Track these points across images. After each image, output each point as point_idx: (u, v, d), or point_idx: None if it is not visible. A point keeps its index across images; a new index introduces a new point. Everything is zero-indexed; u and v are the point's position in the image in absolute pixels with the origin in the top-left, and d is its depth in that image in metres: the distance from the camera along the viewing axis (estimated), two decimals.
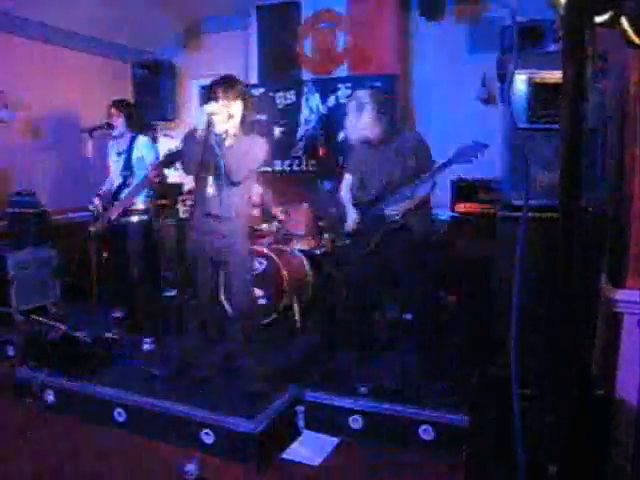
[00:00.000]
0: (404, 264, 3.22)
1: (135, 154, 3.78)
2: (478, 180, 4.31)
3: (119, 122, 3.80)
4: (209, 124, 2.79)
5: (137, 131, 3.93)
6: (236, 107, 2.93)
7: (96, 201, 3.82)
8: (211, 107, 2.81)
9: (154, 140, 4.23)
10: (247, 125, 3.02)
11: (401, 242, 3.16)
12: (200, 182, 3.00)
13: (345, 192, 3.44)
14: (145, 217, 3.83)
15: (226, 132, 2.88)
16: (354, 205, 3.33)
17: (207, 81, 3.12)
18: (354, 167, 3.41)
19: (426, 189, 3.16)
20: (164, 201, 5.12)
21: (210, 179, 2.94)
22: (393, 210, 3.11)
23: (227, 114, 2.86)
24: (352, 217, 3.29)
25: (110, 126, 3.79)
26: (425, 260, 3.32)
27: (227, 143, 2.90)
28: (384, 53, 5.25)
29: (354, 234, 3.31)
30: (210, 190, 2.94)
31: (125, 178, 3.77)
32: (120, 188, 3.79)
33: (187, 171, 3.10)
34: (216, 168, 2.87)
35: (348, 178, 3.45)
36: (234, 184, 2.91)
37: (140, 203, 3.81)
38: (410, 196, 3.10)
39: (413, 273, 3.21)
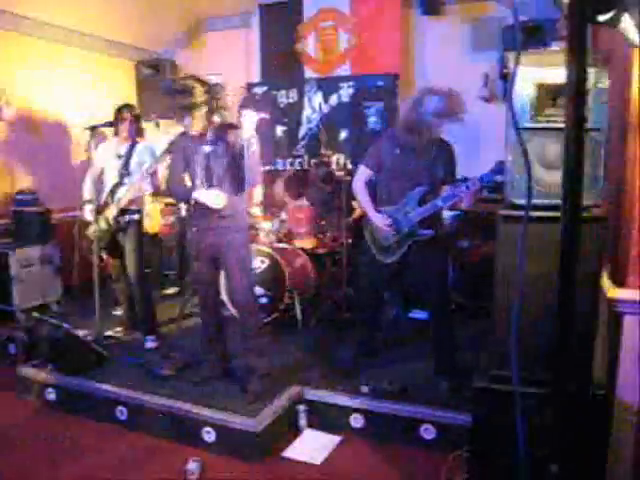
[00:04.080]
0: (427, 269, 3.17)
1: (134, 159, 3.78)
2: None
3: (132, 127, 3.80)
4: (240, 130, 2.86)
5: (138, 137, 3.93)
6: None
7: (86, 211, 3.80)
8: (255, 116, 2.86)
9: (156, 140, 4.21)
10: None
11: (429, 251, 3.12)
12: (199, 181, 3.01)
13: (361, 189, 3.24)
14: (136, 216, 3.82)
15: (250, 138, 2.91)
16: (378, 210, 3.18)
17: (209, 79, 3.12)
18: (379, 161, 3.18)
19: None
20: (166, 200, 5.14)
21: (214, 178, 2.97)
22: (422, 221, 3.05)
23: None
24: (381, 221, 3.13)
25: (112, 125, 3.79)
26: (446, 262, 3.31)
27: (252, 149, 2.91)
28: (386, 52, 5.27)
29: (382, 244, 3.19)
30: (215, 189, 2.96)
31: (122, 177, 3.77)
32: (116, 187, 3.78)
33: (176, 171, 3.10)
34: (227, 170, 2.93)
35: (364, 172, 3.24)
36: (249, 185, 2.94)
37: (134, 202, 3.80)
38: (440, 208, 3.05)
39: (434, 275, 3.17)
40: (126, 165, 3.77)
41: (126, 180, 3.75)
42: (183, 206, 4.55)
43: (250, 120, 2.84)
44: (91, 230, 3.72)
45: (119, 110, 3.81)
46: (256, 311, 3.24)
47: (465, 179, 3.04)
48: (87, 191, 3.84)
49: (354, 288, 4.32)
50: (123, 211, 3.74)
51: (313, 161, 5.28)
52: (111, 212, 3.72)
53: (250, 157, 2.86)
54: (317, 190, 4.91)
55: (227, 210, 2.97)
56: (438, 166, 3.07)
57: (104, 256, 3.86)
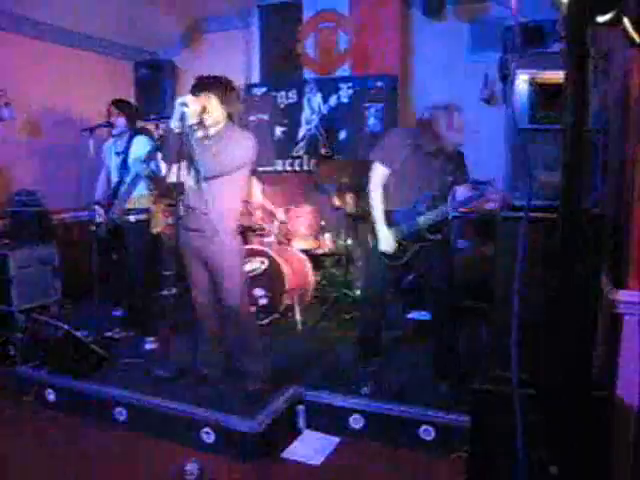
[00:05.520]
0: (433, 272, 3.15)
1: (133, 153, 3.78)
2: (481, 181, 4.31)
3: (119, 121, 3.80)
4: (182, 116, 2.75)
5: (136, 131, 3.92)
6: (212, 102, 2.86)
7: (99, 210, 3.80)
8: (182, 99, 2.78)
9: (152, 137, 4.20)
10: (232, 122, 2.95)
11: (434, 254, 3.11)
12: (181, 174, 2.98)
13: (377, 196, 3.10)
14: (142, 216, 3.82)
15: (198, 125, 2.83)
16: (386, 213, 3.11)
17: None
18: (395, 158, 3.06)
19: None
20: (165, 200, 5.13)
21: (187, 171, 2.92)
22: (431, 226, 3.04)
23: (200, 107, 2.80)
24: (387, 239, 3.08)
25: (111, 125, 3.79)
26: (449, 264, 3.31)
27: (199, 135, 2.85)
28: (385, 53, 5.26)
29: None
30: (190, 183, 2.93)
31: (122, 176, 3.77)
32: (118, 186, 3.79)
33: (165, 160, 3.05)
34: (191, 161, 2.84)
35: (381, 170, 3.08)
36: (206, 179, 2.84)
37: (137, 202, 3.81)
38: (448, 212, 3.05)
39: (439, 278, 3.14)
40: (124, 162, 3.77)
41: (126, 178, 3.75)
42: (182, 207, 4.55)
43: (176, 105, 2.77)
44: (94, 230, 3.71)
45: (110, 106, 3.82)
46: (250, 313, 3.21)
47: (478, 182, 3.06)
48: (97, 192, 3.88)
49: (360, 289, 4.30)
50: (128, 210, 3.74)
51: (314, 161, 5.29)
52: (114, 212, 3.72)
53: (201, 146, 2.80)
54: (318, 190, 4.91)
55: (203, 205, 2.88)
56: (448, 170, 3.07)
57: (114, 256, 3.87)
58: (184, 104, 2.72)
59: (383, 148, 3.11)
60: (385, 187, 3.11)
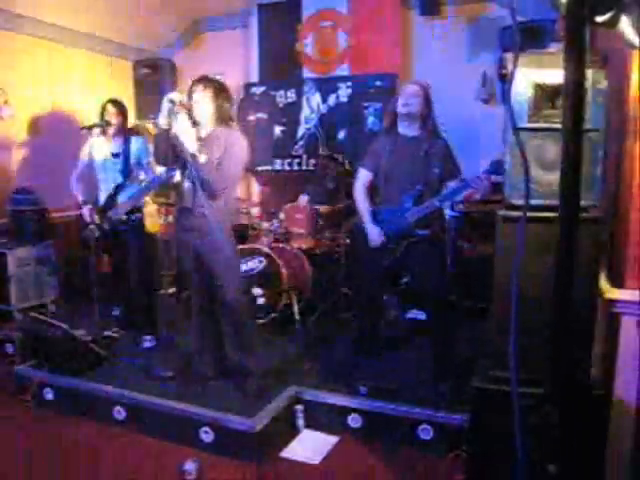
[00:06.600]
0: (425, 269, 3.15)
1: (132, 155, 3.78)
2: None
3: (117, 121, 3.79)
4: (169, 112, 2.74)
5: (130, 131, 3.93)
6: (204, 101, 2.87)
7: (86, 212, 3.77)
8: (169, 95, 2.77)
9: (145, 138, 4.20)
10: (223, 120, 2.94)
11: (426, 251, 3.11)
12: (176, 175, 2.98)
13: (360, 194, 3.27)
14: (140, 215, 3.82)
15: (193, 123, 2.81)
16: (373, 212, 3.20)
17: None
18: (376, 161, 3.20)
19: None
20: (162, 199, 5.13)
21: (181, 171, 2.93)
22: (418, 221, 3.04)
23: (191, 107, 2.80)
24: (374, 233, 3.15)
25: (109, 124, 3.79)
26: (443, 261, 3.30)
27: (202, 134, 2.86)
28: (385, 52, 5.26)
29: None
30: (185, 183, 2.93)
31: (125, 178, 3.76)
32: (119, 188, 3.77)
33: (157, 161, 3.04)
34: (184, 160, 2.83)
35: (364, 174, 3.27)
36: (214, 196, 2.83)
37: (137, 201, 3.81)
38: (437, 206, 3.05)
39: (432, 275, 3.14)
40: (126, 164, 3.76)
41: (128, 181, 3.74)
42: (178, 207, 4.54)
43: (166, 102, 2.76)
44: (91, 230, 3.70)
45: (103, 107, 3.81)
46: (249, 310, 3.22)
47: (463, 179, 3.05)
48: (80, 191, 3.83)
49: (352, 291, 4.31)
50: (127, 210, 3.74)
51: (317, 162, 5.28)
52: (116, 213, 3.71)
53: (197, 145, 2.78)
54: (318, 186, 4.89)
55: (199, 205, 2.85)
56: (433, 163, 3.07)
57: (104, 256, 3.86)
58: (171, 100, 2.73)
59: (366, 154, 3.30)
60: (374, 187, 3.26)
